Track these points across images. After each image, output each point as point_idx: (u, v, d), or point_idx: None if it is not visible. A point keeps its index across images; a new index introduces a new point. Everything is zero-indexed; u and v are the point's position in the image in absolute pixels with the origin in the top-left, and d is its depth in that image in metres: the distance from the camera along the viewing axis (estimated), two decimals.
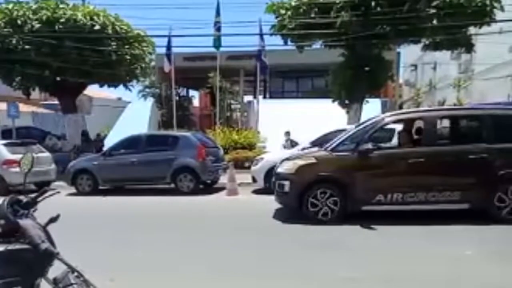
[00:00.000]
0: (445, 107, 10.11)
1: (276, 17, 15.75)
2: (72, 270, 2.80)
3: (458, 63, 27.08)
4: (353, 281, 4.96)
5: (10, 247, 2.59)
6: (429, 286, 4.86)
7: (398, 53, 28.91)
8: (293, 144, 14.40)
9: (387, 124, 8.36)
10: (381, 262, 5.65)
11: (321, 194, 7.79)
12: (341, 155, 8.06)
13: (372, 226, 7.37)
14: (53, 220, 2.92)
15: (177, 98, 29.88)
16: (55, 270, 2.70)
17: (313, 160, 8.24)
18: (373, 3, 13.88)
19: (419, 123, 8.90)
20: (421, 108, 9.18)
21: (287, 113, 21.18)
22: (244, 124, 24.46)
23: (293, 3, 15.00)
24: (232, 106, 28.40)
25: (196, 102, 34.23)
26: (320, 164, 8.10)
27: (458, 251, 5.95)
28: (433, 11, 13.79)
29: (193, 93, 33.27)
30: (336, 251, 6.24)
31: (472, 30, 15.96)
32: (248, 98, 29.78)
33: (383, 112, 25.74)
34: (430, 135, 8.16)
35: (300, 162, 8.38)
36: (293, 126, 16.02)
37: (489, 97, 23.09)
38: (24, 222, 2.67)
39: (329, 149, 8.41)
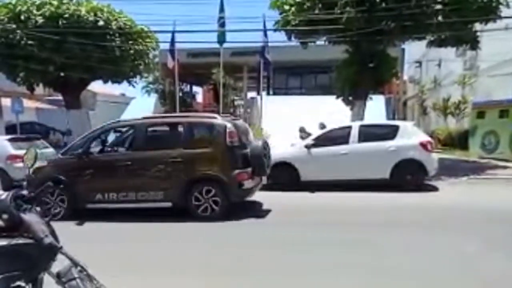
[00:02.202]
0: (154, 115, 11.00)
1: (280, 13, 15.71)
2: (75, 264, 2.82)
3: (463, 60, 26.93)
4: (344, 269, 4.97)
5: (14, 241, 2.62)
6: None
7: (403, 50, 28.88)
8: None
9: (107, 131, 9.45)
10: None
11: (51, 193, 8.23)
12: (66, 158, 9.02)
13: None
14: (56, 215, 2.93)
15: (181, 94, 29.95)
16: (58, 264, 2.72)
17: (45, 163, 8.97)
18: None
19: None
20: (135, 117, 9.89)
21: (290, 109, 21.21)
22: (247, 120, 24.42)
23: None
24: (236, 103, 28.41)
25: (199, 98, 34.29)
26: (50, 167, 8.89)
27: None
28: (438, 7, 13.74)
29: (196, 89, 33.34)
30: (346, 247, 6.24)
31: (477, 26, 15.89)
32: (251, 94, 29.79)
33: (387, 108, 25.97)
34: (139, 140, 8.97)
35: (36, 164, 8.91)
36: (297, 123, 16.00)
37: (494, 94, 23.01)
38: (28, 217, 2.70)
39: (60, 152, 9.64)
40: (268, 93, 31.05)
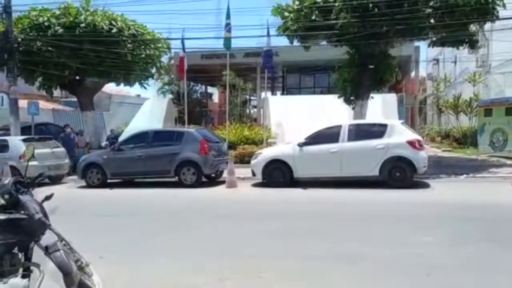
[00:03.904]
0: None
1: (282, 19, 16.35)
2: (61, 239, 3.66)
3: (475, 58, 26.85)
4: (317, 259, 5.63)
5: (11, 216, 3.38)
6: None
7: (417, 48, 28.91)
8: None
9: None
10: None
11: None
12: None
13: None
14: (48, 198, 3.79)
15: (198, 94, 30.94)
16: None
17: None
18: (370, 5, 14.30)
19: None
20: None
21: (300, 108, 21.73)
22: (262, 119, 25.09)
23: (295, 6, 15.59)
24: (251, 103, 29.05)
25: (216, 99, 35.06)
26: None
27: None
28: (429, 10, 14.09)
29: (212, 90, 34.10)
30: (318, 234, 6.91)
31: (486, 26, 16.03)
32: (268, 94, 30.33)
33: (399, 107, 26.11)
34: None
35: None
36: (307, 121, 16.55)
37: (507, 91, 22.99)
38: (24, 198, 3.50)
39: None
40: (282, 93, 31.66)
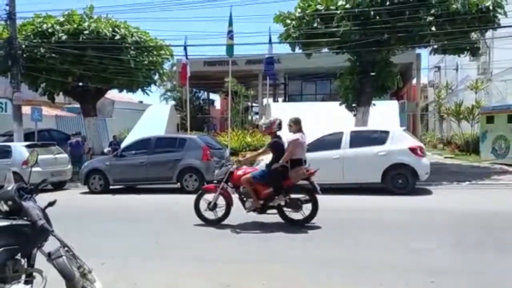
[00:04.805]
0: None
1: (284, 26, 16.46)
2: (63, 245, 3.72)
3: (477, 65, 26.92)
4: (320, 265, 5.67)
5: (14, 222, 3.46)
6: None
7: (418, 55, 29.04)
8: None
9: None
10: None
11: None
12: None
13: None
14: (51, 204, 3.84)
15: (200, 101, 31.07)
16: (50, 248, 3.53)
17: None
18: (372, 13, 14.38)
19: None
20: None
21: (303, 115, 21.72)
22: None
23: (297, 14, 15.68)
24: (253, 109, 29.17)
25: (218, 105, 35.21)
26: None
27: None
28: (430, 18, 14.17)
29: (214, 96, 34.26)
30: (320, 240, 6.99)
31: (488, 33, 16.12)
32: (270, 101, 30.50)
33: (401, 114, 26.14)
34: None
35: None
36: (309, 128, 16.53)
37: (508, 98, 23.03)
38: (27, 204, 3.57)
39: None
40: (284, 100, 31.78)
